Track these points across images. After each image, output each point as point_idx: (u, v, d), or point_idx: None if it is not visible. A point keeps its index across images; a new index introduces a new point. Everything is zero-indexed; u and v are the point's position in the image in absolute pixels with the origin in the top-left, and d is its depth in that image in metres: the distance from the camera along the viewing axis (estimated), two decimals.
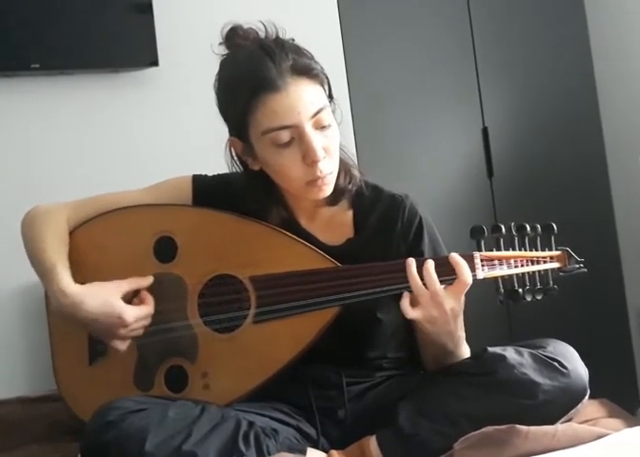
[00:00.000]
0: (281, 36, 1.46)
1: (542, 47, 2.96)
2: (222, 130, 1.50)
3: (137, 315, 1.45)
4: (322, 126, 1.42)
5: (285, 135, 1.40)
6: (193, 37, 2.46)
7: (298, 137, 1.40)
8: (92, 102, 2.39)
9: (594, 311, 2.89)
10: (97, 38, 2.35)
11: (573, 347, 1.48)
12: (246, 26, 1.47)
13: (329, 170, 1.44)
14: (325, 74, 1.46)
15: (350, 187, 1.53)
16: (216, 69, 1.48)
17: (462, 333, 1.48)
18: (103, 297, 1.43)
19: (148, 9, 2.38)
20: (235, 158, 1.53)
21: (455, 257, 1.38)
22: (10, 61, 2.28)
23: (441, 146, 2.83)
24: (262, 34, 1.45)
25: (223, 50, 1.48)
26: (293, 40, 1.46)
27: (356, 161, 1.57)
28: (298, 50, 1.44)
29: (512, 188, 2.89)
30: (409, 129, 2.77)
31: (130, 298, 1.48)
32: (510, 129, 2.91)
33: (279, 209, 1.52)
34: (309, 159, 1.41)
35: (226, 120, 1.49)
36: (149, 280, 1.50)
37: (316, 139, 1.40)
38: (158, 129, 2.45)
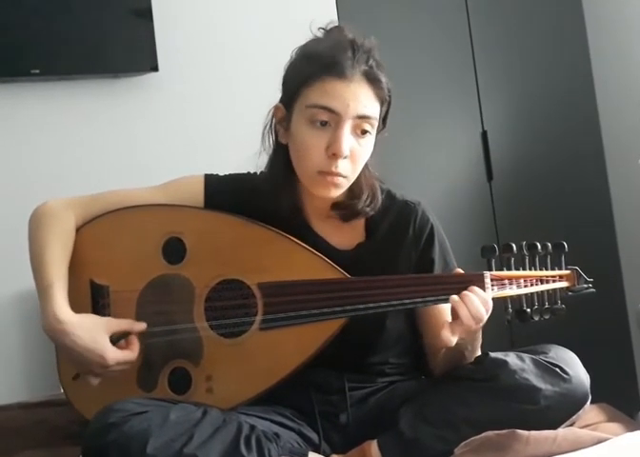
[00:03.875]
0: (376, 53, 1.47)
1: (541, 51, 2.97)
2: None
3: (118, 359, 1.42)
4: (361, 130, 1.43)
5: (324, 116, 1.41)
6: (193, 42, 2.46)
7: (334, 125, 1.42)
8: (92, 107, 2.40)
9: (595, 316, 2.88)
10: (97, 44, 2.36)
11: (574, 352, 1.48)
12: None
13: (345, 173, 1.44)
14: (389, 98, 1.49)
15: (368, 210, 1.52)
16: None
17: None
18: (93, 333, 1.41)
19: (147, 15, 2.39)
20: (273, 125, 1.53)
21: (454, 299, 1.35)
22: (11, 66, 2.28)
23: (440, 149, 2.83)
24: (359, 40, 1.47)
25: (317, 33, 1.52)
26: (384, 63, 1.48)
27: None
28: (380, 66, 1.47)
29: (512, 192, 2.89)
30: (408, 133, 2.76)
31: (118, 338, 1.46)
32: (510, 133, 2.92)
33: (289, 201, 1.51)
34: (331, 150, 1.41)
35: (283, 84, 1.51)
36: (142, 326, 1.48)
37: (347, 137, 1.42)
38: (158, 134, 2.46)
